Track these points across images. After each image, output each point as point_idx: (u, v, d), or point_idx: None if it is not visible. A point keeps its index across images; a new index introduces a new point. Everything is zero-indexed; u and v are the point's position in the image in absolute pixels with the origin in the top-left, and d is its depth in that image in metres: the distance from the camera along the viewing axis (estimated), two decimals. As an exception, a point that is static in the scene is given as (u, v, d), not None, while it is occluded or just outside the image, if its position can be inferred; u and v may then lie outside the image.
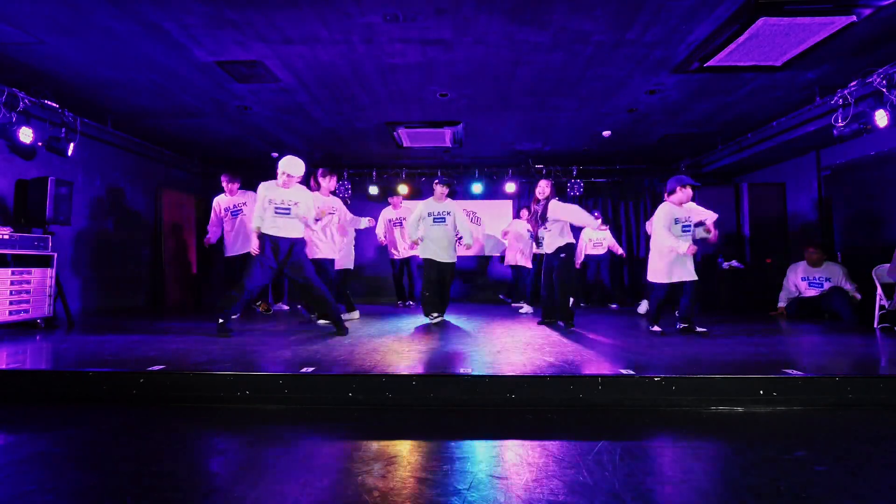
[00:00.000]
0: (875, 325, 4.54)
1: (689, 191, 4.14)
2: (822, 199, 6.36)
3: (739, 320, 5.16)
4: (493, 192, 8.42)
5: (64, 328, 4.47)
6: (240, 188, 5.74)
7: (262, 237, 3.94)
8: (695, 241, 4.12)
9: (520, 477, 1.65)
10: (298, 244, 4.06)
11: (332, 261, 4.93)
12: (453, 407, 2.46)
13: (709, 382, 2.51)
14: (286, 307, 6.52)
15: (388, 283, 7.69)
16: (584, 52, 4.11)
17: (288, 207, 4.01)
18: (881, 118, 4.33)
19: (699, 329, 4.14)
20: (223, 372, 2.61)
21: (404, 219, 6.89)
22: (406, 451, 1.90)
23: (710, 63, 4.15)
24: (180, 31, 3.75)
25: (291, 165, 4.03)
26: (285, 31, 3.75)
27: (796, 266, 5.56)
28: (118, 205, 6.49)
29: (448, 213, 4.96)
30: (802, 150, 6.44)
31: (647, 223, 6.16)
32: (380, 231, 6.90)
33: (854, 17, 3.40)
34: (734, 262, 6.52)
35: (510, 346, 3.51)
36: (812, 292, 5.36)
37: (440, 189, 5.00)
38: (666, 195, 4.27)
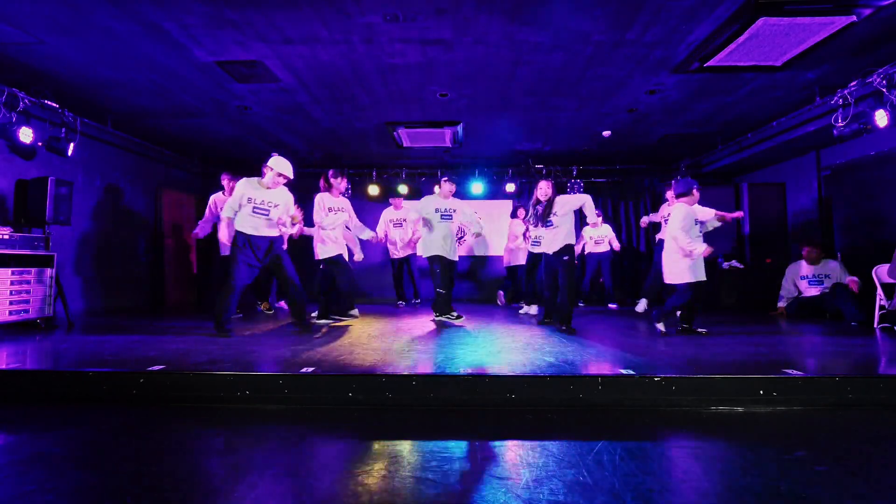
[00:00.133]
0: (875, 325, 4.54)
1: (698, 194, 4.23)
2: (822, 199, 6.36)
3: (739, 320, 5.16)
4: (493, 192, 8.42)
5: (64, 328, 4.47)
6: None
7: (238, 235, 3.95)
8: (705, 238, 4.17)
9: (520, 477, 1.65)
10: (277, 241, 4.11)
11: (342, 255, 4.86)
12: (453, 407, 2.46)
13: (709, 382, 2.51)
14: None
15: (388, 283, 7.69)
16: (584, 52, 4.11)
17: (268, 209, 4.02)
18: (881, 118, 4.34)
19: (699, 329, 4.15)
20: (223, 372, 2.61)
21: (405, 220, 6.89)
22: (406, 451, 1.90)
23: (710, 63, 4.15)
24: (180, 31, 3.75)
25: (287, 167, 4.04)
26: (285, 31, 3.75)
27: (795, 265, 5.57)
28: (118, 205, 6.49)
29: (454, 211, 4.94)
30: (802, 150, 6.44)
31: (643, 219, 6.15)
32: (380, 230, 6.90)
33: (854, 17, 3.40)
34: (734, 262, 6.52)
35: (510, 346, 3.51)
36: (813, 291, 5.36)
37: (448, 186, 4.92)
38: (677, 197, 4.29)
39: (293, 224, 4.30)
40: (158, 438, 2.05)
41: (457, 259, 5.04)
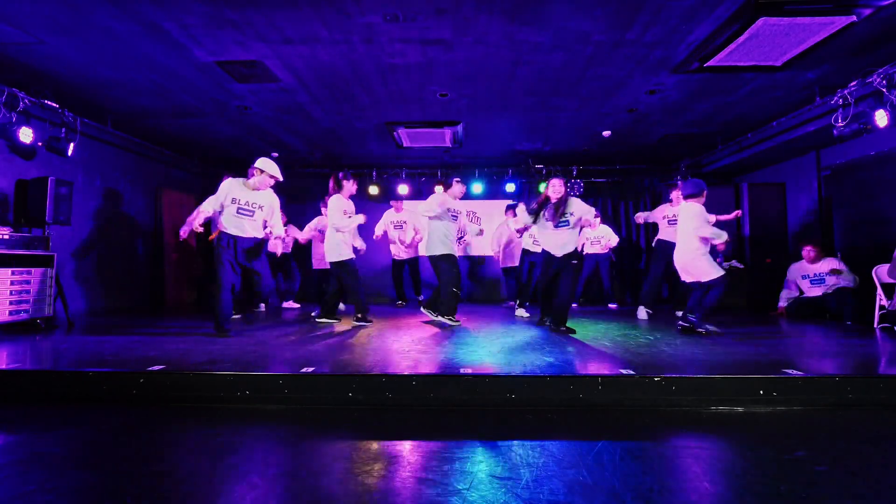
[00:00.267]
0: (875, 325, 4.54)
1: (706, 194, 4.30)
2: (822, 199, 6.36)
3: (739, 320, 5.16)
4: (493, 192, 8.42)
5: (64, 328, 4.47)
6: None
7: (222, 235, 3.95)
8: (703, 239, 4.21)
9: (520, 477, 1.65)
10: (260, 243, 4.15)
11: (353, 259, 4.89)
12: (453, 407, 2.46)
13: (709, 382, 2.51)
14: (296, 305, 6.68)
15: (387, 283, 7.70)
16: (584, 52, 4.11)
17: (252, 210, 4.02)
18: (881, 118, 4.34)
19: (699, 329, 4.15)
20: (223, 372, 2.61)
21: (405, 221, 6.89)
22: (406, 451, 1.90)
23: (710, 63, 4.15)
24: (180, 31, 3.75)
25: (276, 169, 4.07)
26: (285, 31, 3.75)
27: (796, 265, 5.57)
28: (118, 205, 6.49)
29: (459, 213, 4.93)
30: (802, 150, 6.44)
31: (639, 214, 6.11)
32: (379, 230, 6.91)
33: (854, 17, 3.40)
34: (734, 262, 6.52)
35: (510, 346, 3.51)
36: (815, 290, 5.36)
37: (460, 188, 4.86)
38: (686, 198, 4.30)
39: (282, 239, 4.34)
40: (158, 438, 2.05)
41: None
